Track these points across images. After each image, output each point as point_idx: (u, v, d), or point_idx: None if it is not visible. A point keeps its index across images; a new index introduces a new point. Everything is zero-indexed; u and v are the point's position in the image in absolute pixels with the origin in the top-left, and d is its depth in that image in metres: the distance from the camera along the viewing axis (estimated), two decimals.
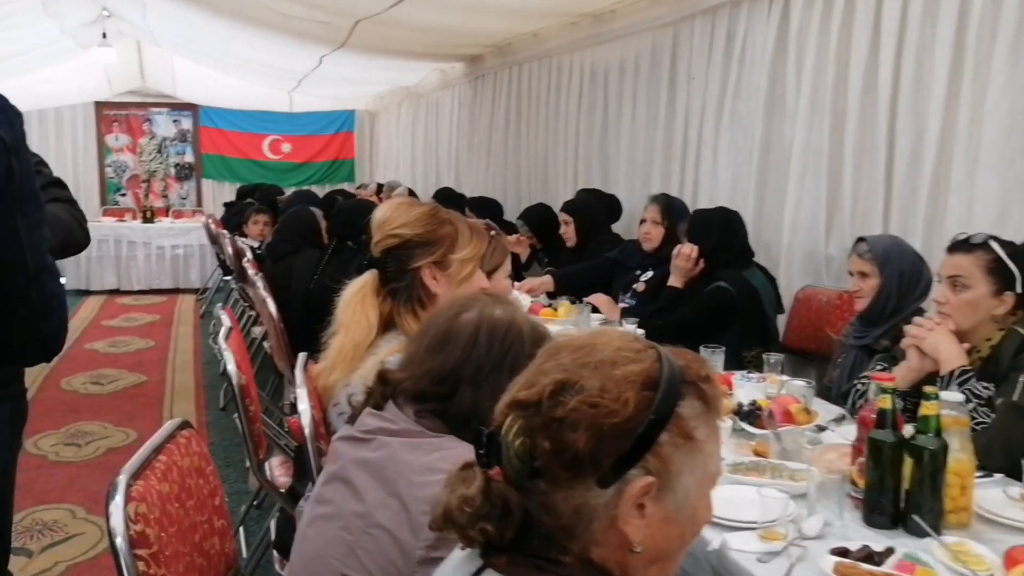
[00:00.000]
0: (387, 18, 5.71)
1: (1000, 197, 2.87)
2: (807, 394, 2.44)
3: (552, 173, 6.18)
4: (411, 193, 8.15)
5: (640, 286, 3.91)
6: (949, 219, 3.03)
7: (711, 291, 3.30)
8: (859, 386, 2.47)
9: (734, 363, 3.03)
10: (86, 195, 11.76)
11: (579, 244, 4.64)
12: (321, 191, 12.21)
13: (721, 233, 3.43)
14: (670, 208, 3.97)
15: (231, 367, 2.56)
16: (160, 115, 11.97)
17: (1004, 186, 2.86)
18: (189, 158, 12.18)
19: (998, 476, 1.93)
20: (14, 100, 1.41)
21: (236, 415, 2.74)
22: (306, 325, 4.13)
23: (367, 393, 1.47)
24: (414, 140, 10.09)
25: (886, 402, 1.75)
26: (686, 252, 3.45)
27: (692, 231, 3.50)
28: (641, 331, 3.32)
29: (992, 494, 1.82)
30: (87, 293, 9.91)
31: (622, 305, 3.85)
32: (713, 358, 2.88)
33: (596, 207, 4.81)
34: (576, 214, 4.66)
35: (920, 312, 2.51)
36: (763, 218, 4.02)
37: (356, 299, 2.02)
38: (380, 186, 9.04)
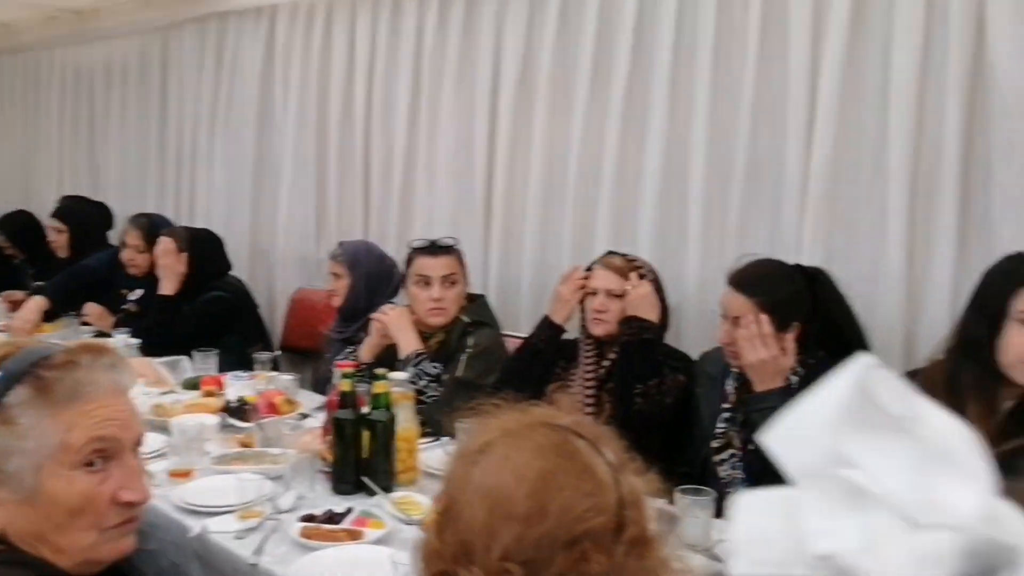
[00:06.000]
0: None
1: (453, 206, 3.39)
2: (291, 387, 2.66)
3: (34, 179, 5.67)
4: None
5: (132, 307, 3.71)
6: (416, 225, 3.49)
7: (209, 300, 3.36)
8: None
9: (241, 364, 3.06)
10: None
11: (72, 255, 4.22)
12: None
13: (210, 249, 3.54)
14: (152, 228, 3.72)
15: None
16: None
17: (456, 196, 3.38)
18: None
19: (444, 439, 2.31)
20: None
21: None
22: None
23: None
24: None
25: (346, 385, 2.01)
26: None
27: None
28: (135, 341, 3.27)
29: (436, 454, 2.18)
30: None
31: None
32: (207, 361, 2.98)
33: (92, 214, 4.45)
34: (70, 221, 4.29)
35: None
36: (259, 226, 4.20)
37: None
38: None
